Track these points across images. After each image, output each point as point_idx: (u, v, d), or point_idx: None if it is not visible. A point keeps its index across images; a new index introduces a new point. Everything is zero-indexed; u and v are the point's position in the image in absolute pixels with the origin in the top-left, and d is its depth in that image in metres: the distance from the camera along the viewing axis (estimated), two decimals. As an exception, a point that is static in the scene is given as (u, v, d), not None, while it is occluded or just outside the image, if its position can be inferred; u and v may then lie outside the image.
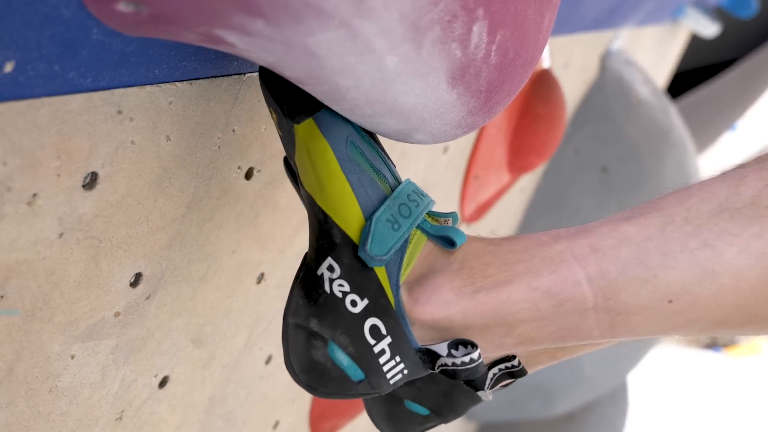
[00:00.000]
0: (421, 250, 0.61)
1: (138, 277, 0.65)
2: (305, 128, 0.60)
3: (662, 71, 2.78)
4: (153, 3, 0.44)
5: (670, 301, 0.55)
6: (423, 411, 0.65)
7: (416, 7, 0.47)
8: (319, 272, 0.60)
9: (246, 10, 0.44)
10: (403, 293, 0.60)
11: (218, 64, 0.63)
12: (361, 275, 0.59)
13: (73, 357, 0.61)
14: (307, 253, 0.63)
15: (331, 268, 0.60)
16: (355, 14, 0.45)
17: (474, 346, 0.59)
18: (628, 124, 1.89)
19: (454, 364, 0.59)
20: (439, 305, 0.59)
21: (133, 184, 0.59)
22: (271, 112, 0.62)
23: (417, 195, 0.61)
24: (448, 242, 0.60)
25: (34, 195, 0.51)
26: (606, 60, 1.89)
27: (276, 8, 0.44)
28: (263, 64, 0.51)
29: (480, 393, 0.63)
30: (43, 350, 0.58)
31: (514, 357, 0.62)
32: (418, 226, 0.61)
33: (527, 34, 0.58)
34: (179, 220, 0.66)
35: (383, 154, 0.62)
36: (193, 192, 0.67)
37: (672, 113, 2.03)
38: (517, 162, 1.40)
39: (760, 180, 0.55)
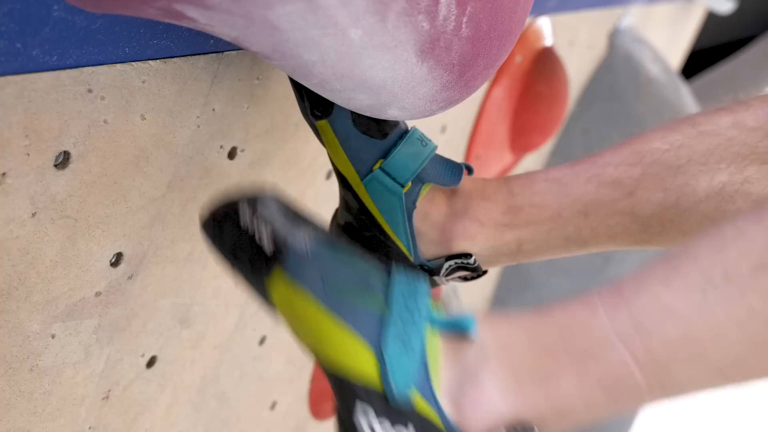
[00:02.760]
0: (439, 344, 0.55)
1: (119, 256, 0.65)
2: (279, 292, 0.56)
3: (677, 50, 2.74)
4: (109, -22, 0.44)
5: (724, 374, 0.52)
6: None
7: (378, -21, 0.46)
8: (355, 420, 0.54)
9: (202, -16, 0.44)
10: (447, 407, 0.54)
11: (193, 42, 0.62)
12: (398, 410, 0.54)
13: (53, 336, 0.62)
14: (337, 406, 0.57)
15: (365, 412, 0.54)
16: (314, -14, 0.45)
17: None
18: (637, 103, 1.87)
19: None
20: (489, 413, 0.54)
21: (108, 163, 0.59)
22: None
23: (410, 290, 0.56)
24: (460, 328, 0.55)
25: (3, 174, 0.51)
26: (614, 38, 1.86)
27: (232, -19, 0.44)
28: (227, 39, 0.50)
29: (435, 278, 0.69)
30: (22, 329, 0.58)
31: (470, 255, 0.67)
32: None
33: (502, 7, 0.57)
34: (159, 199, 0.66)
35: (361, 256, 0.58)
36: (173, 172, 0.66)
37: (683, 91, 1.99)
38: (519, 141, 1.38)
39: None
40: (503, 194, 0.70)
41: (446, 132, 1.20)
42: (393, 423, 0.53)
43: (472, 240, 0.69)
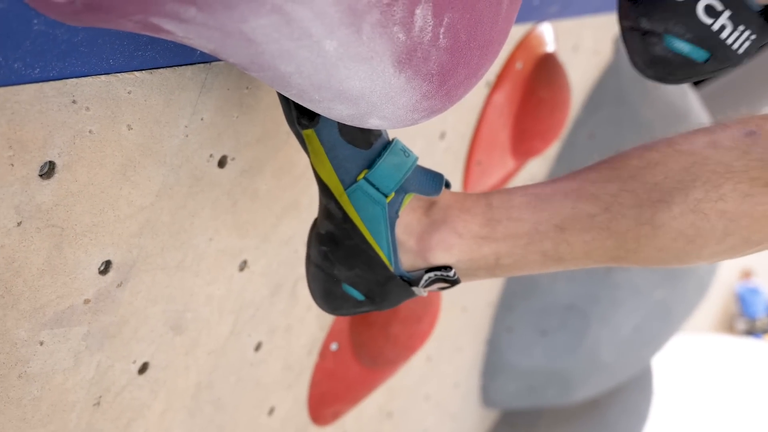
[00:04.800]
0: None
1: (107, 264, 0.66)
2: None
3: (687, 53, 2.72)
4: (85, -8, 0.45)
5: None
6: (358, 296, 0.73)
7: (351, -9, 0.46)
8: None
9: (176, -2, 0.45)
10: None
11: (179, 53, 0.63)
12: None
13: (42, 343, 0.63)
14: None
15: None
16: (287, -1, 0.45)
17: None
18: (643, 107, 1.86)
19: None
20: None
21: (95, 173, 0.60)
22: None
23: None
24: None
25: (-13, 184, 0.52)
26: (620, 42, 1.86)
27: (205, -5, 0.45)
28: (205, 51, 0.51)
29: (414, 289, 0.71)
30: (9, 336, 0.59)
31: (450, 268, 0.70)
32: None
33: (481, 17, 0.57)
34: (148, 208, 0.67)
35: None
36: (161, 180, 0.67)
37: (690, 96, 1.99)
38: (521, 147, 1.38)
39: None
40: (482, 207, 0.70)
41: (446, 138, 1.21)
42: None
43: (449, 251, 0.69)
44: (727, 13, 0.64)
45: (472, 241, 0.69)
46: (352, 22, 0.48)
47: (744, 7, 0.63)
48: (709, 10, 0.65)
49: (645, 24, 0.66)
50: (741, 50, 0.67)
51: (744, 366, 4.93)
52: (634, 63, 0.71)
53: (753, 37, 0.66)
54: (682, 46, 0.67)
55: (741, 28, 0.65)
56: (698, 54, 0.67)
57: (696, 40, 0.66)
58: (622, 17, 0.69)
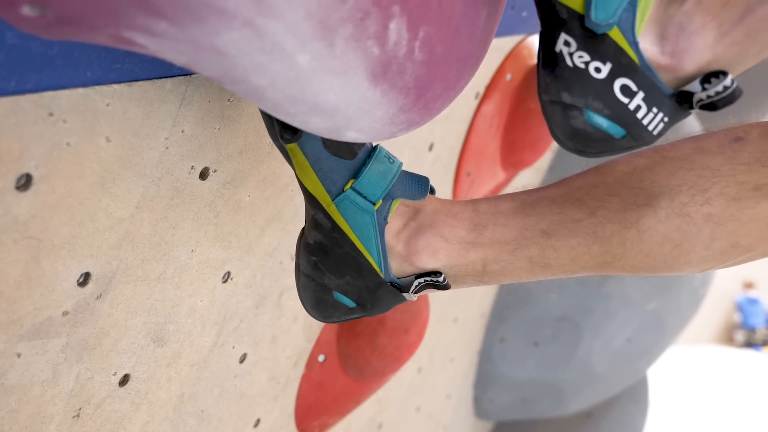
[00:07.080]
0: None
1: (86, 276, 0.66)
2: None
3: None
4: (56, 6, 0.45)
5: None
6: (349, 303, 0.73)
7: (322, 6, 0.46)
8: (557, 49, 0.68)
9: (146, 11, 0.45)
10: (647, 46, 0.67)
11: (158, 66, 0.63)
12: (596, 42, 0.67)
13: (19, 355, 0.62)
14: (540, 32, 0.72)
15: (567, 43, 0.68)
16: (258, 13, 0.45)
17: (725, 74, 0.67)
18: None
19: (709, 96, 0.67)
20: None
21: (73, 184, 0.60)
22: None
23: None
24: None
25: (-39, 197, 0.52)
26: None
27: (176, 8, 0.45)
28: (178, 64, 0.51)
29: (404, 294, 0.71)
30: (-15, 349, 0.59)
31: (440, 273, 0.70)
32: None
33: (458, 30, 0.57)
34: (128, 220, 0.67)
35: None
36: (141, 192, 0.67)
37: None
38: (511, 158, 1.38)
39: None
40: (469, 212, 0.70)
41: (434, 150, 1.21)
42: (592, 57, 0.68)
43: (435, 255, 0.69)
44: (641, 95, 0.66)
45: (459, 246, 0.69)
46: (325, 36, 0.48)
47: (656, 89, 0.65)
48: (625, 90, 0.67)
49: (566, 98, 0.68)
50: (655, 131, 0.70)
51: (741, 378, 4.92)
52: (555, 135, 0.73)
53: (666, 119, 0.68)
54: (601, 121, 0.69)
55: (654, 110, 0.68)
56: (615, 130, 0.69)
57: (613, 117, 0.68)
58: (543, 91, 0.71)
